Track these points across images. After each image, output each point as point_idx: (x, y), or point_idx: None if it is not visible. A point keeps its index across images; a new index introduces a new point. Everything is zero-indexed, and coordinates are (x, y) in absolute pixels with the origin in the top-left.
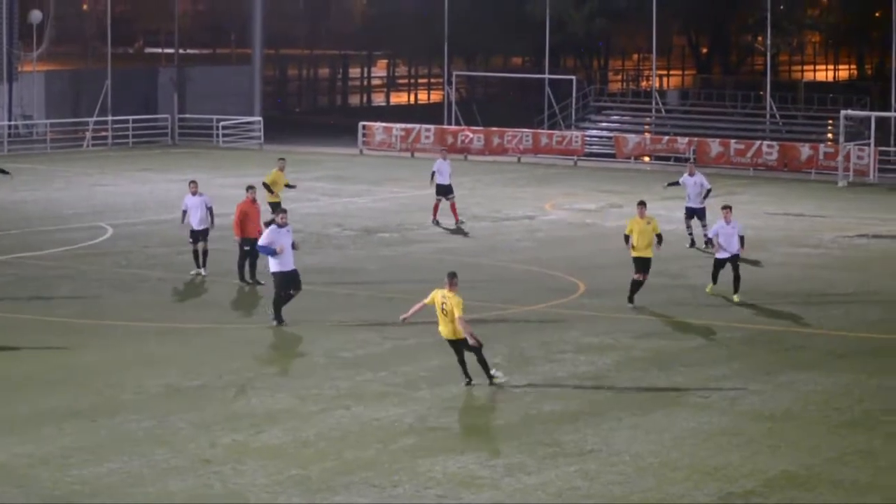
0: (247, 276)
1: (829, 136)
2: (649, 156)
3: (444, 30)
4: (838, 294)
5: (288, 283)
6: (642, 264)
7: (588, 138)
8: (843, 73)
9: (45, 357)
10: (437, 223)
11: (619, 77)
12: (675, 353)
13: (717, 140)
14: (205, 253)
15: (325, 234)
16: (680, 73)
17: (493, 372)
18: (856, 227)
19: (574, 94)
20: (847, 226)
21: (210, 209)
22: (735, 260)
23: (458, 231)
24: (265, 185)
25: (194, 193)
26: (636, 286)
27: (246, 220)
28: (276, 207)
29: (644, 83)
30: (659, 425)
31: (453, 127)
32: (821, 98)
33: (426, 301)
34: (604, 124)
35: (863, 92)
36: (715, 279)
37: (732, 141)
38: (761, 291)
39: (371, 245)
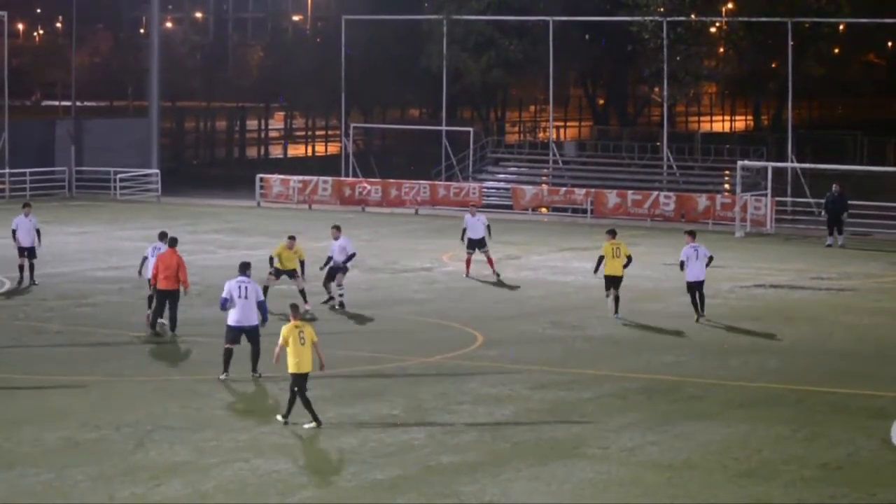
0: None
1: (727, 186)
2: (547, 207)
3: (341, 82)
4: (736, 344)
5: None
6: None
7: (485, 189)
8: (740, 123)
9: None
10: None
11: (517, 128)
12: (573, 403)
13: (615, 191)
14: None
15: (222, 286)
16: (577, 124)
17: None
18: (753, 277)
19: (472, 146)
20: (745, 276)
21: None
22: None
23: (482, 281)
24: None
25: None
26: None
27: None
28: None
29: (541, 134)
30: (558, 476)
31: (351, 179)
32: (717, 149)
33: (280, 342)
34: (501, 175)
35: (759, 142)
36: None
37: (630, 192)
38: (659, 341)
39: (269, 298)
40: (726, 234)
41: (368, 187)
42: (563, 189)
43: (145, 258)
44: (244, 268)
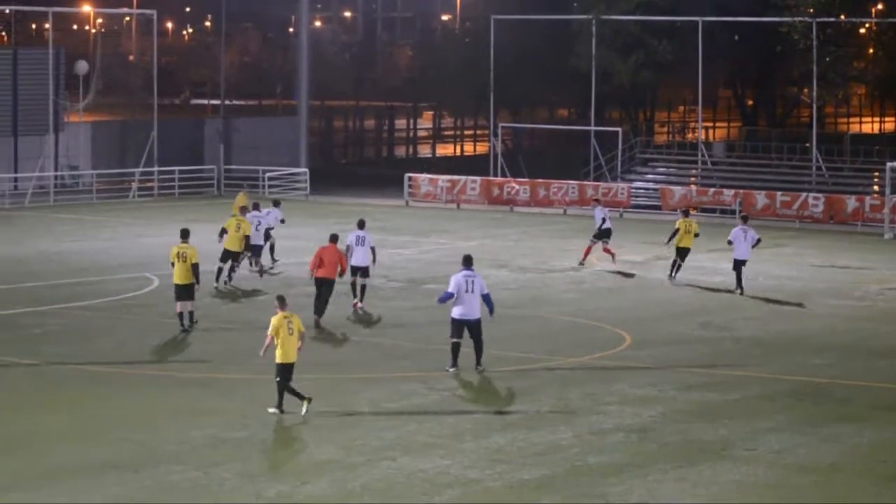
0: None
1: (876, 188)
2: (695, 208)
3: (490, 81)
4: (884, 346)
5: None
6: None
7: (634, 190)
8: (889, 125)
9: (88, 407)
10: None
11: (665, 129)
12: (720, 405)
13: (763, 192)
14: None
15: (371, 285)
16: (726, 125)
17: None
18: None
19: (620, 146)
20: (892, 278)
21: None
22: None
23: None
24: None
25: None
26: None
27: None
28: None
29: (690, 135)
30: (705, 478)
31: (499, 178)
32: (867, 150)
33: (270, 333)
34: (650, 176)
35: None
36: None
37: (778, 193)
38: (806, 343)
39: (417, 296)
40: (875, 236)
41: (517, 187)
42: (712, 190)
43: (348, 246)
44: (468, 261)
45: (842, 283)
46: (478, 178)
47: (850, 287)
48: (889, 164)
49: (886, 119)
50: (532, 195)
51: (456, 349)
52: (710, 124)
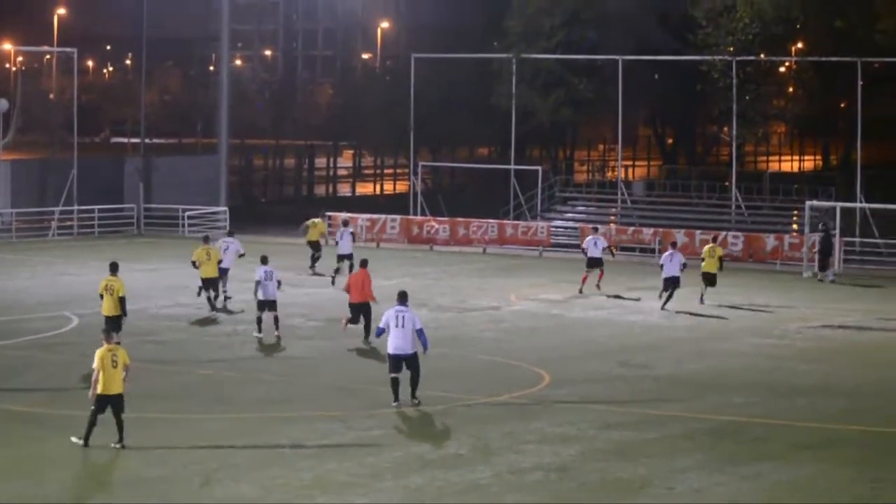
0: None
1: (794, 226)
2: (615, 246)
3: (410, 120)
4: (803, 384)
5: None
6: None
7: (554, 229)
8: (809, 163)
9: (5, 447)
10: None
11: (585, 167)
12: (639, 444)
13: (683, 230)
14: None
15: (289, 324)
16: (645, 163)
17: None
18: (820, 318)
19: (540, 185)
20: (812, 316)
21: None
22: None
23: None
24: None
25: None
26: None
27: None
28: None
29: (610, 174)
30: None
31: (419, 217)
32: (786, 189)
33: (96, 366)
34: (569, 214)
35: (828, 182)
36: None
37: (698, 231)
38: (726, 381)
39: (337, 336)
40: (794, 275)
41: (437, 226)
42: (631, 228)
43: (258, 282)
44: (402, 297)
45: (761, 322)
46: (398, 217)
47: (769, 325)
48: (808, 203)
49: (805, 157)
50: (452, 234)
51: (395, 384)
52: (630, 163)
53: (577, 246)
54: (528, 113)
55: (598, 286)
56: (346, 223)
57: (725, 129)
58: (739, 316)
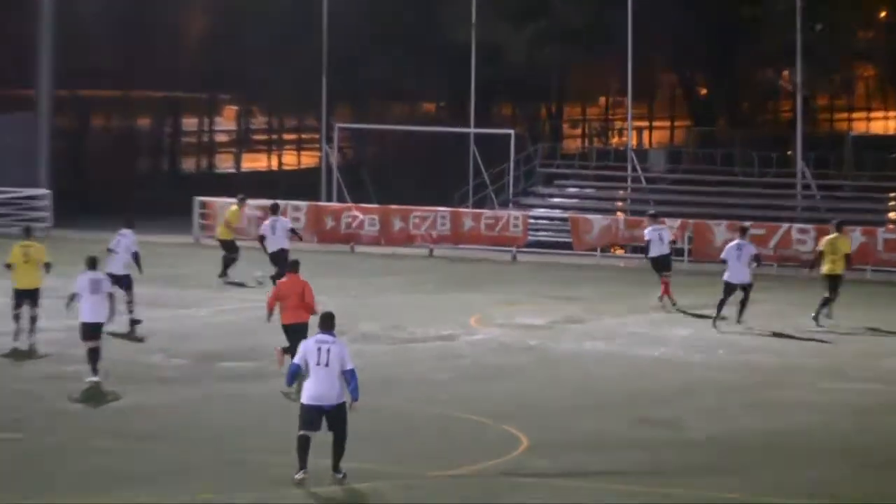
0: None
1: (892, 214)
2: (623, 247)
3: (322, 64)
4: None
5: None
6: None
7: (533, 221)
8: None
9: None
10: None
11: (579, 131)
12: None
13: (724, 223)
14: None
15: (144, 363)
16: (668, 124)
17: None
18: None
19: (513, 157)
20: None
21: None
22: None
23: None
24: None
25: None
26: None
27: None
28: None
29: (615, 139)
30: None
31: (335, 204)
32: (877, 159)
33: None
34: (556, 199)
35: None
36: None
37: (747, 223)
38: (794, 449)
39: (209, 379)
40: (893, 286)
41: (360, 216)
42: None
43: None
44: (326, 322)
45: (843, 356)
46: (303, 204)
47: (855, 362)
48: None
49: None
50: (383, 228)
51: (304, 446)
52: (645, 123)
53: (566, 244)
54: (495, 51)
55: (660, 299)
56: (275, 208)
57: (786, 73)
58: (811, 348)
